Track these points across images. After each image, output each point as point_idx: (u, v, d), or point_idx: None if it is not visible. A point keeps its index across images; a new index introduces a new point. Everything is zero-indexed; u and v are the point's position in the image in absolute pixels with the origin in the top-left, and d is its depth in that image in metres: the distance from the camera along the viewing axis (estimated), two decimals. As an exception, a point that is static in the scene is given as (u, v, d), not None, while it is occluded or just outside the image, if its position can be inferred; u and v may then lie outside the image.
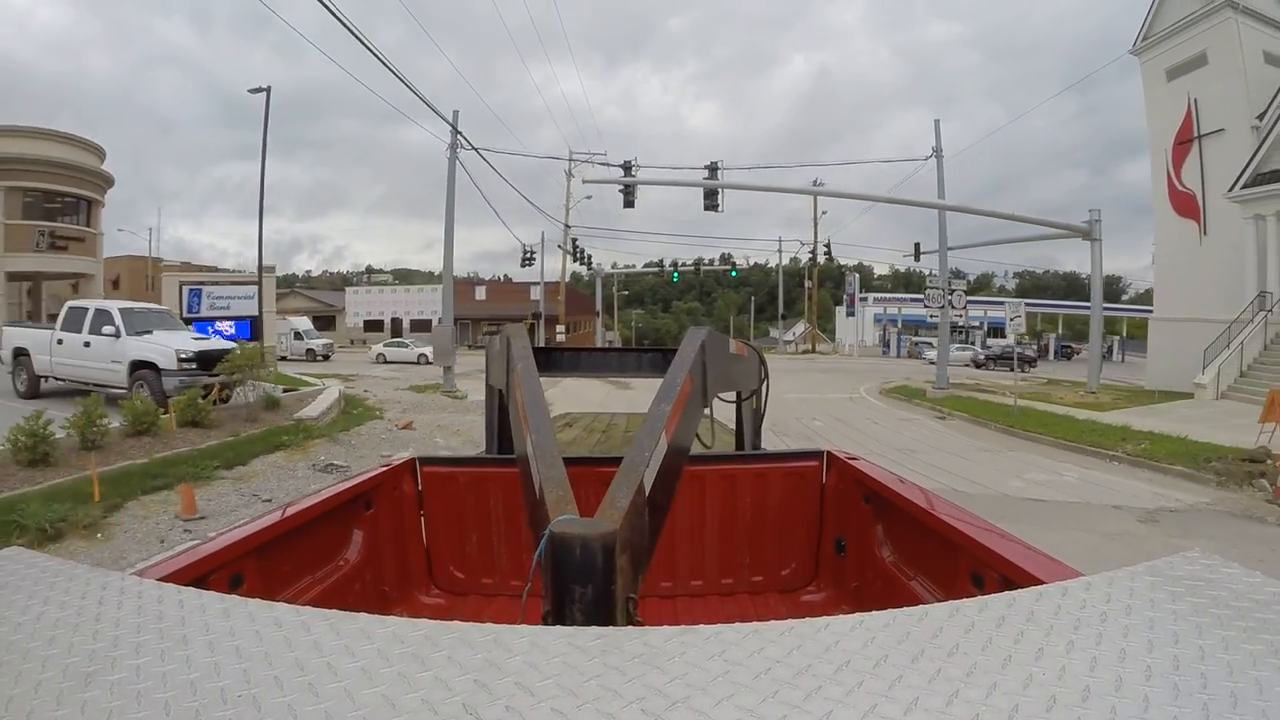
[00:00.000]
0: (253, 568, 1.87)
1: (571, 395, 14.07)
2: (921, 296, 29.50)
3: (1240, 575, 0.96)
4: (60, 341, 11.83)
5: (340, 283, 78.05)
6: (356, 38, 10.90)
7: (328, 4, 9.57)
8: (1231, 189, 18.27)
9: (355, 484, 2.49)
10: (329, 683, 0.73)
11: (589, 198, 32.64)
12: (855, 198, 25.09)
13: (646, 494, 1.37)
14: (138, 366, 10.97)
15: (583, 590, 1.06)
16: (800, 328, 54.40)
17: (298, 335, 32.36)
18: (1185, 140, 21.78)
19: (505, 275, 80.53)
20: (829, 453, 2.80)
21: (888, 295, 48.40)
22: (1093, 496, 7.98)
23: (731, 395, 3.14)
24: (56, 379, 12.20)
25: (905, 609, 0.90)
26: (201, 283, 24.10)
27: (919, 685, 0.71)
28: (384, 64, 12.35)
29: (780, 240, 59.17)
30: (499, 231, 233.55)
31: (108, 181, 32.40)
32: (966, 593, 1.66)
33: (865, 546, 2.51)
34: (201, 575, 1.64)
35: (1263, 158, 17.31)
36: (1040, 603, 0.91)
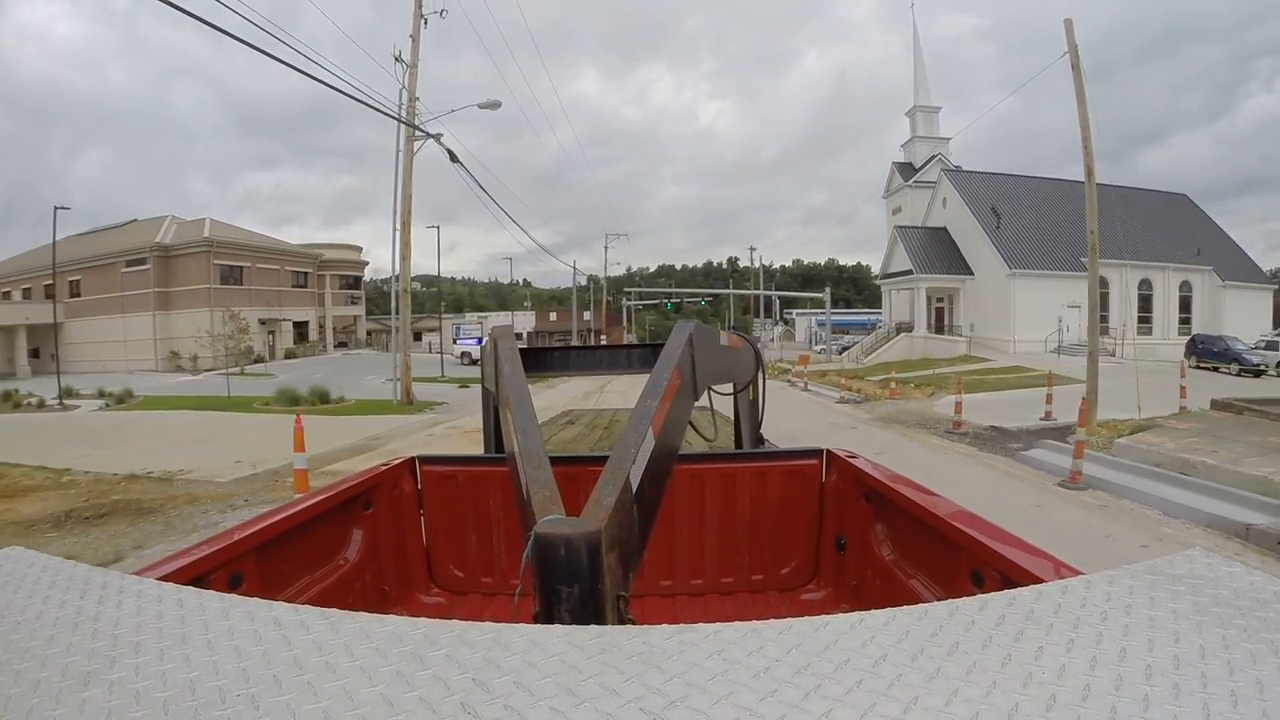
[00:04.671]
0: (252, 567, 1.87)
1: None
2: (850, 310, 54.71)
3: (1241, 574, 0.95)
4: (491, 347, 40.98)
5: (372, 291, 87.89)
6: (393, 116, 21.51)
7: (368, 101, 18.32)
8: (876, 277, 45.72)
9: (355, 484, 2.48)
10: (328, 682, 0.73)
11: (619, 263, 58.55)
12: (740, 292, 52.64)
13: (634, 491, 1.37)
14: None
15: (569, 590, 1.07)
16: (780, 328, 79.22)
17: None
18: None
19: (525, 280, 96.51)
20: (829, 451, 2.78)
21: (810, 311, 73.74)
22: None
23: (728, 387, 3.14)
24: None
25: (904, 608, 0.89)
26: (457, 322, 52.76)
27: (918, 684, 0.70)
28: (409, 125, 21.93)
29: (730, 263, 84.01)
30: (510, 235, 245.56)
31: (365, 263, 61.39)
32: (966, 591, 1.64)
33: (865, 545, 2.48)
34: (201, 575, 1.65)
35: (885, 263, 44.36)
36: (1040, 601, 0.90)
